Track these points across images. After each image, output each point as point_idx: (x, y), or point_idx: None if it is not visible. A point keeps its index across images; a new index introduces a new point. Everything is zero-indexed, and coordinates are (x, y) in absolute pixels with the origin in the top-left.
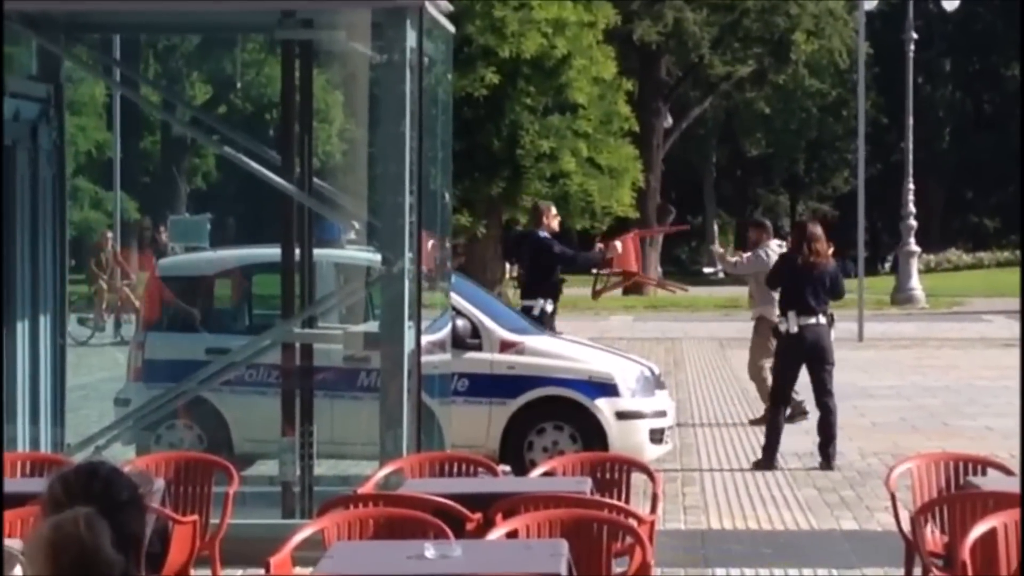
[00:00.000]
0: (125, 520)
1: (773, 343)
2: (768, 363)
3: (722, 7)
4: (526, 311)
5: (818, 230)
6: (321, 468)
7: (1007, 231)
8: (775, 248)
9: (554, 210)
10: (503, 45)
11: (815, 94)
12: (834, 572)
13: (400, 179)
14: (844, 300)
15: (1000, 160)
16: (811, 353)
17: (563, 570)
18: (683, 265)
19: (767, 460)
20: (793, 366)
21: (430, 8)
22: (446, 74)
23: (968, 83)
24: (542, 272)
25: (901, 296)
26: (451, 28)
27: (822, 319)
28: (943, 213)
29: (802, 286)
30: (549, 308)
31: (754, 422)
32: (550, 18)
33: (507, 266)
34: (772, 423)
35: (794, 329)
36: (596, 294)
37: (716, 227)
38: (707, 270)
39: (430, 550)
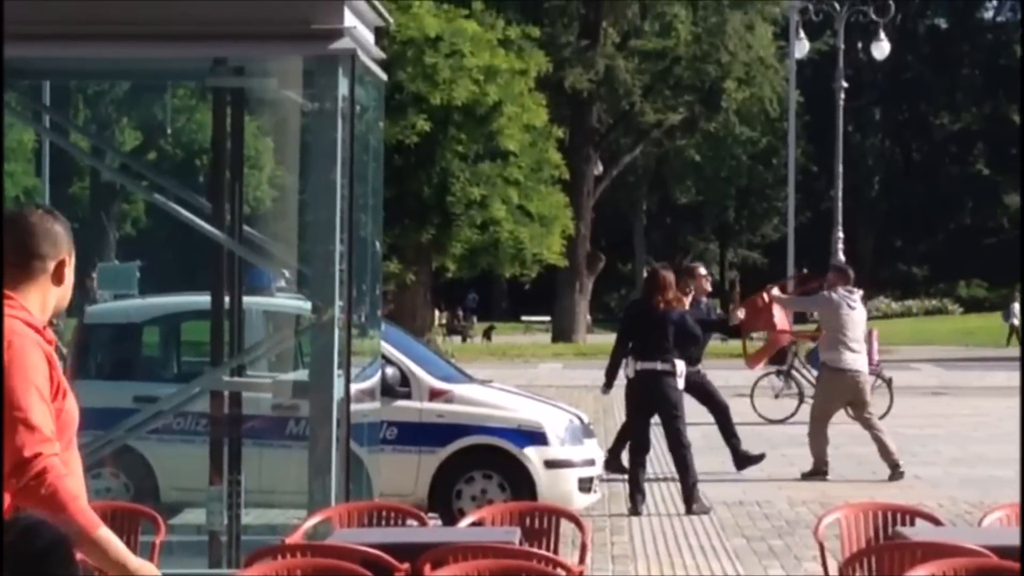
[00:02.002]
0: (48, 571)
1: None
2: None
3: (653, 55)
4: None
5: (670, 277)
6: (249, 517)
7: (935, 279)
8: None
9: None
10: (434, 92)
11: (745, 142)
12: None
13: (331, 227)
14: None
15: (929, 208)
16: (650, 399)
17: None
18: (612, 312)
19: (634, 505)
20: (635, 411)
21: (362, 56)
22: (378, 121)
23: (897, 131)
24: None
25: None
26: (383, 76)
27: (662, 366)
28: (872, 261)
29: (646, 332)
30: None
31: (805, 475)
32: (482, 65)
33: (436, 313)
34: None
35: (631, 374)
36: (751, 360)
37: (646, 274)
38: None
39: None
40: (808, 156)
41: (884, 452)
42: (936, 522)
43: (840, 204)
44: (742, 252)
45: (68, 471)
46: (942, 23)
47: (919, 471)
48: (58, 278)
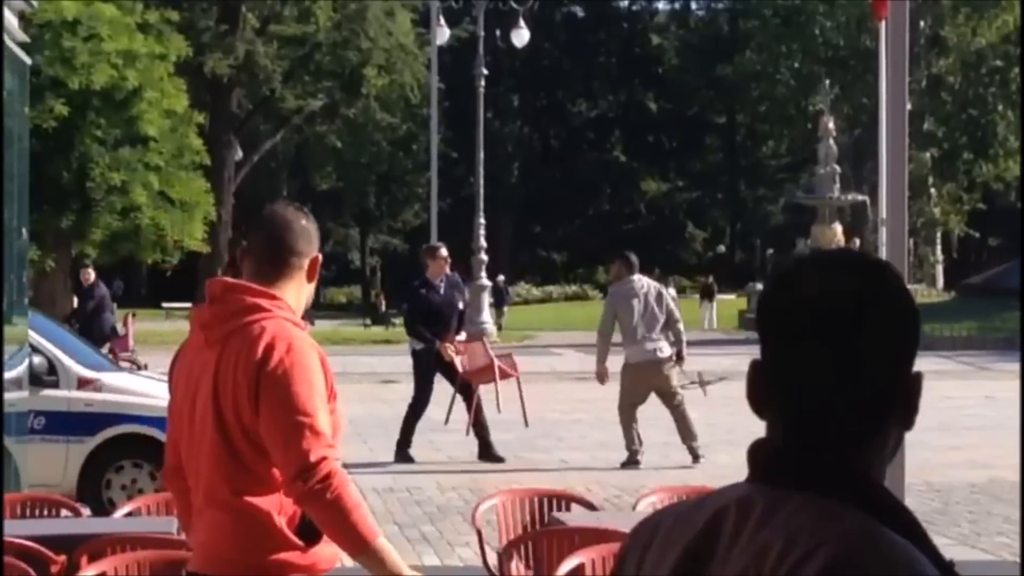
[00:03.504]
0: None
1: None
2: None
3: (293, 41)
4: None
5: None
6: None
7: (574, 265)
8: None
9: (443, 251)
10: (72, 76)
11: (386, 128)
12: None
13: None
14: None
15: (567, 194)
16: None
17: None
18: None
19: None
20: None
21: (7, 41)
22: (22, 107)
23: (536, 118)
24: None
25: (472, 329)
26: (27, 60)
27: None
28: (512, 247)
29: None
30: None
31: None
32: (120, 49)
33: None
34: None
35: None
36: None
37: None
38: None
39: None
40: (448, 143)
41: (686, 435)
42: (591, 507)
43: (481, 191)
44: (383, 238)
45: (348, 478)
46: (579, 11)
47: (566, 455)
48: (311, 275)
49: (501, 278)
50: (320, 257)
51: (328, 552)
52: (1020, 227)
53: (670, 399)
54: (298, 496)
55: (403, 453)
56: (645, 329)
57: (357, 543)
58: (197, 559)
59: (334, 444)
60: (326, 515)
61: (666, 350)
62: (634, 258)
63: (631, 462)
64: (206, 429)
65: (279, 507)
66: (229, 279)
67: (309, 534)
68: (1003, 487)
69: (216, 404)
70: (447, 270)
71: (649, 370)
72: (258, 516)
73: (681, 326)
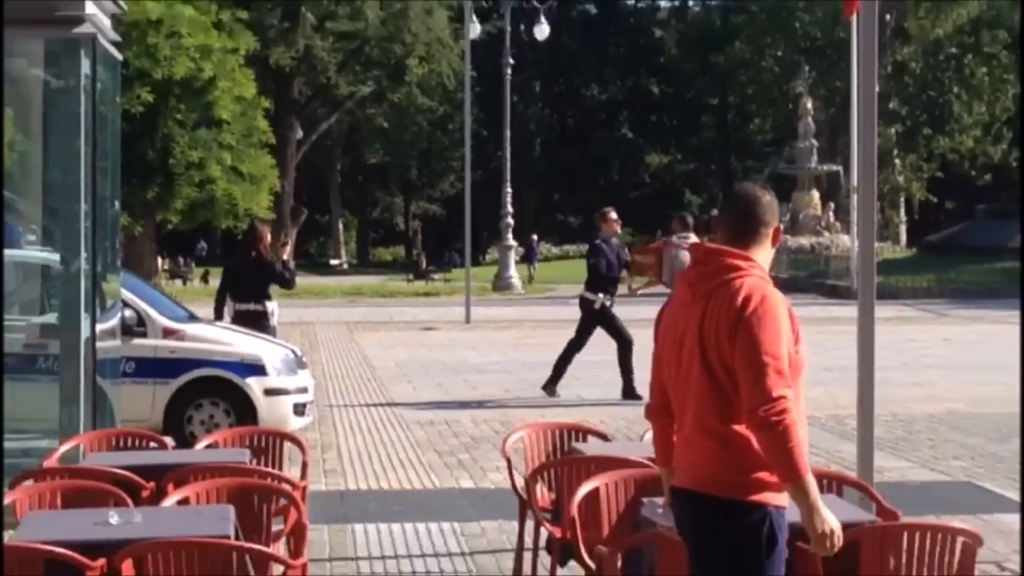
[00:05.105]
0: None
1: None
2: None
3: (346, 36)
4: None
5: (264, 230)
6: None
7: (589, 228)
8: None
9: (613, 214)
10: (156, 68)
11: (426, 111)
12: (456, 525)
13: (76, 189)
14: (452, 287)
15: (582, 168)
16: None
17: (231, 531)
18: (312, 258)
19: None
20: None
21: (101, 39)
22: (114, 96)
23: (555, 102)
24: (592, 271)
25: (501, 283)
26: (119, 56)
27: (255, 306)
28: (535, 213)
29: (245, 278)
30: (608, 302)
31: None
32: (198, 45)
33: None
34: None
35: (232, 312)
36: (632, 291)
37: (341, 224)
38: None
39: (114, 517)
40: (480, 123)
41: None
42: (605, 438)
43: (508, 164)
44: (423, 205)
45: (798, 416)
46: (592, 8)
47: (583, 392)
48: (774, 240)
49: (535, 237)
50: (781, 227)
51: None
52: (1020, 199)
53: None
54: (755, 424)
55: (551, 388)
56: None
57: (791, 473)
58: (687, 478)
59: (791, 386)
60: (774, 443)
61: None
62: (689, 218)
63: None
64: (693, 370)
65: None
66: (711, 245)
67: None
68: (958, 418)
69: (702, 348)
70: (617, 230)
71: None
72: (741, 441)
73: None
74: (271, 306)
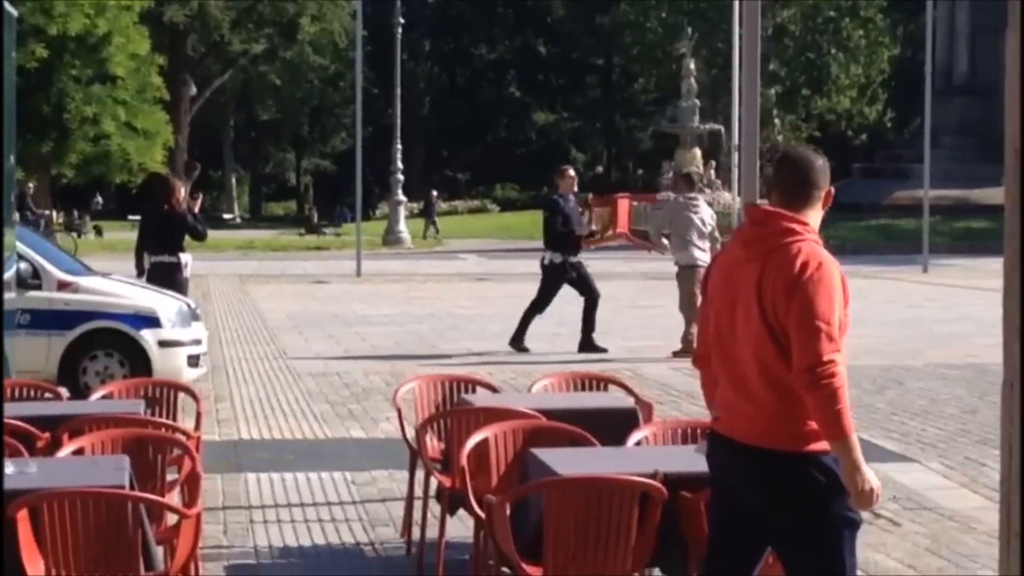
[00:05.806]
0: None
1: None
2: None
3: None
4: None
5: (177, 183)
6: None
7: (476, 183)
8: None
9: (571, 172)
10: (51, 24)
11: (318, 68)
12: (347, 474)
13: None
14: (343, 241)
15: (470, 125)
16: (167, 287)
17: (126, 481)
18: (207, 212)
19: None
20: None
21: None
22: (11, 53)
23: (444, 60)
24: (547, 226)
25: (391, 238)
26: (14, 12)
27: (169, 258)
28: (424, 168)
29: (159, 230)
30: (557, 260)
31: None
32: (92, 1)
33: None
34: None
35: (148, 266)
36: (587, 241)
37: (234, 179)
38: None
39: (10, 467)
40: (370, 81)
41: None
42: (493, 389)
43: (398, 121)
44: (315, 160)
45: (845, 379)
46: None
47: (471, 344)
48: (825, 203)
49: (434, 193)
50: (832, 190)
51: None
52: (1019, 169)
53: None
54: (804, 383)
55: (518, 344)
56: (696, 236)
57: (837, 431)
58: (740, 430)
59: (841, 351)
60: (822, 403)
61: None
62: (695, 176)
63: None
64: (750, 325)
65: None
66: (767, 207)
67: None
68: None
69: (760, 305)
70: (574, 188)
71: (699, 273)
72: (793, 395)
73: (718, 235)
74: (185, 258)
